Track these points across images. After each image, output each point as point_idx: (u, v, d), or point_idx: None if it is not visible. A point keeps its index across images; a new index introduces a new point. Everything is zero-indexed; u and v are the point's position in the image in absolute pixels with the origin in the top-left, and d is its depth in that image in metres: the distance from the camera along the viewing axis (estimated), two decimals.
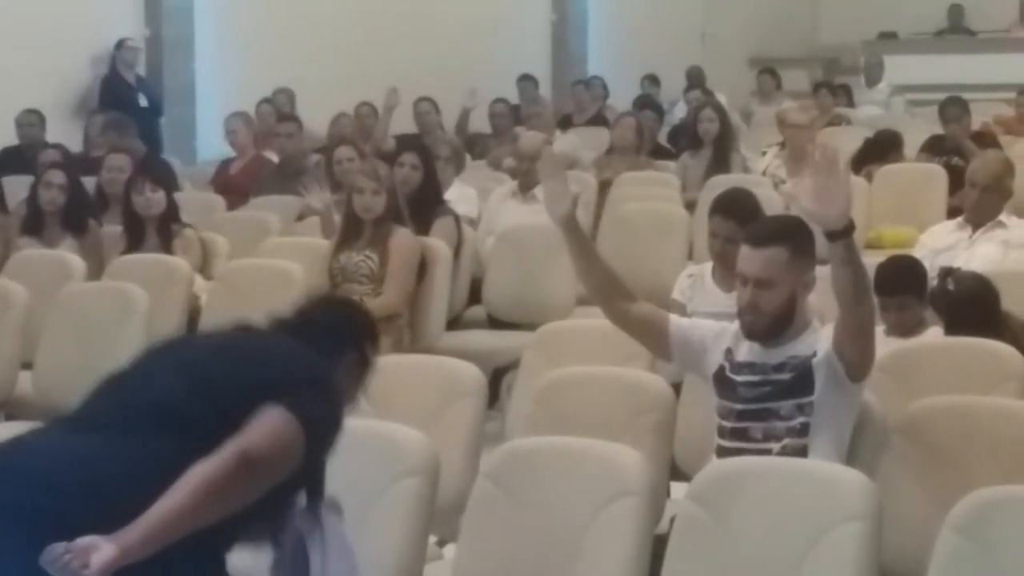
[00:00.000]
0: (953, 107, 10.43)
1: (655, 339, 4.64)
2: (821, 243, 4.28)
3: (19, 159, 10.77)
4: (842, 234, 4.10)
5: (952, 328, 5.38)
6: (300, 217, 8.91)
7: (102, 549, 3.06)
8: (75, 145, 11.15)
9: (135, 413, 3.33)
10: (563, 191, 4.59)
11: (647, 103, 13.44)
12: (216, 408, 3.31)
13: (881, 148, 10.28)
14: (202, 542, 3.23)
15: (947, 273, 5.70)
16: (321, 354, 3.54)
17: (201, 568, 3.31)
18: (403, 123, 12.49)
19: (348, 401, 3.65)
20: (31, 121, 11.18)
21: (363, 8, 14.08)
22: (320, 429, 3.40)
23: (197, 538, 3.19)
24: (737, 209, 5.79)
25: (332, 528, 3.57)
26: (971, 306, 5.40)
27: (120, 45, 12.70)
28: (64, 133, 11.40)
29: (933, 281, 5.74)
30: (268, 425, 3.29)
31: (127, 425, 3.30)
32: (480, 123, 13.23)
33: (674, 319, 4.67)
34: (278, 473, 3.31)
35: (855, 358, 4.28)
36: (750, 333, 4.41)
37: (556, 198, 4.59)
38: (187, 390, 3.35)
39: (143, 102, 12.60)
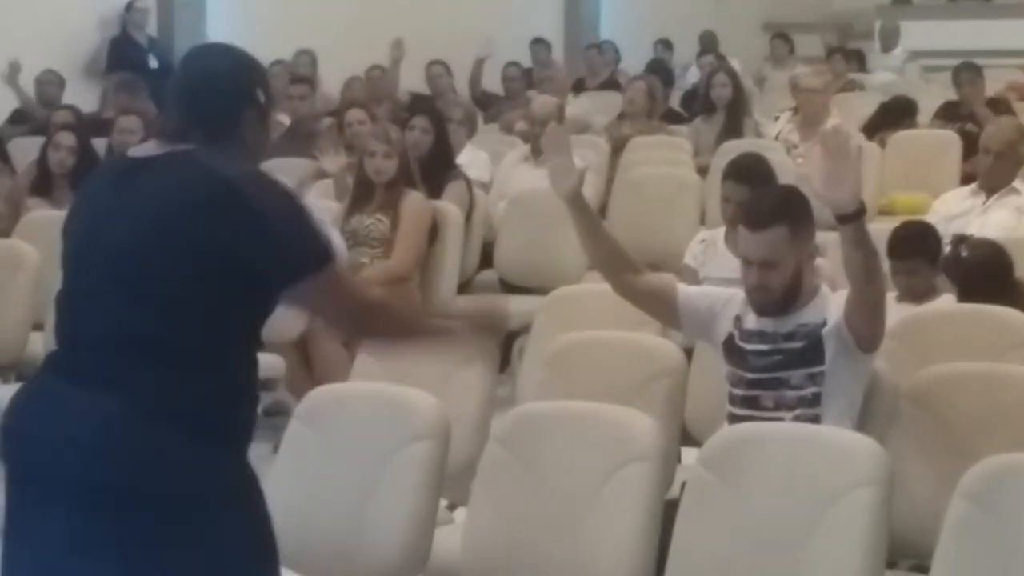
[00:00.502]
0: (967, 71, 10.40)
1: (663, 310, 4.65)
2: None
3: (29, 119, 10.80)
4: (853, 217, 4.09)
5: (965, 295, 5.39)
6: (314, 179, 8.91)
7: None
8: (85, 107, 11.15)
9: (127, 362, 3.16)
10: (568, 166, 4.58)
11: (658, 68, 13.43)
12: (202, 329, 3.19)
13: (895, 114, 10.27)
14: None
15: (960, 240, 5.71)
16: (219, 133, 3.28)
17: (247, 376, 3.33)
18: (416, 86, 12.51)
19: (262, 150, 3.48)
20: (50, 79, 11.21)
21: None
22: (323, 242, 3.34)
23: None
24: (750, 174, 5.83)
25: None
26: (985, 273, 5.41)
27: (130, 7, 12.68)
28: (74, 94, 11.41)
29: (946, 248, 5.73)
30: (324, 307, 3.41)
31: (129, 379, 3.16)
32: (493, 85, 13.23)
33: (682, 288, 4.67)
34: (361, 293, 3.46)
35: (866, 332, 4.28)
36: (761, 311, 4.40)
37: (561, 173, 4.58)
38: (155, 318, 3.17)
39: (154, 64, 12.58)
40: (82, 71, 12.33)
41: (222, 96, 3.34)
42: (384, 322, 3.50)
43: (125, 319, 3.17)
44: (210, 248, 3.14)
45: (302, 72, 11.96)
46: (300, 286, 3.23)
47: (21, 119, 11.08)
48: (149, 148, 3.34)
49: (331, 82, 12.17)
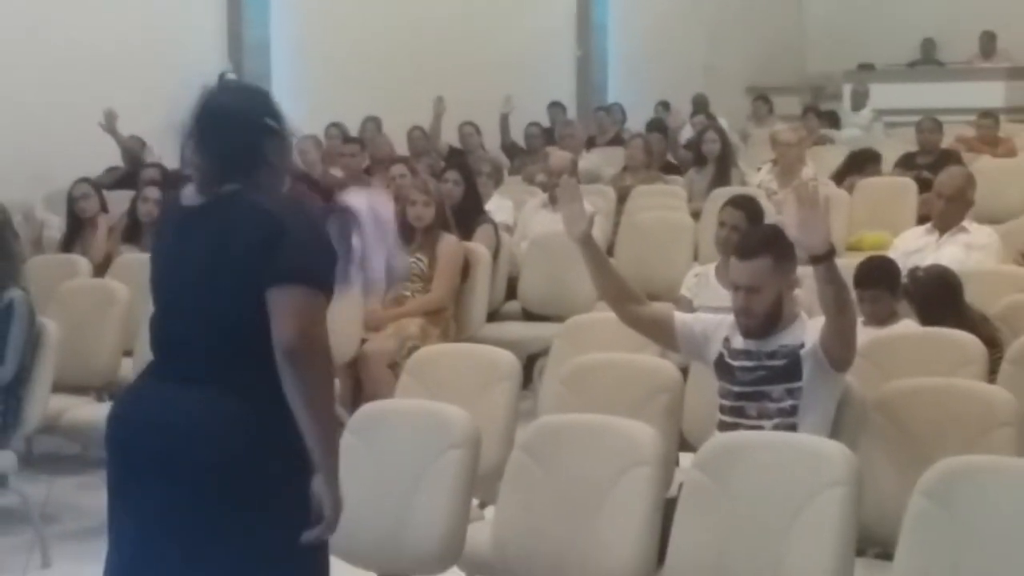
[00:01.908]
0: (929, 122, 10.75)
1: (663, 335, 4.64)
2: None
3: (123, 176, 10.85)
4: (824, 258, 4.08)
5: (923, 311, 5.40)
6: None
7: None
8: (175, 164, 11.15)
9: (203, 368, 3.22)
10: (580, 213, 4.58)
11: (658, 127, 13.43)
12: (242, 331, 3.18)
13: (860, 162, 10.30)
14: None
15: (916, 270, 5.72)
16: (251, 167, 3.24)
17: None
18: (452, 143, 12.56)
19: (288, 169, 3.38)
20: (134, 144, 11.24)
21: (413, 48, 14.09)
22: (325, 271, 3.20)
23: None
24: (745, 203, 6.02)
25: (363, 207, 3.44)
26: (938, 290, 5.45)
27: (221, 78, 12.68)
28: (169, 154, 11.39)
29: (905, 279, 5.72)
30: (284, 311, 3.12)
31: (212, 374, 3.20)
32: (517, 139, 13.28)
33: (678, 316, 4.66)
34: (319, 334, 3.14)
35: (838, 355, 4.26)
36: (746, 332, 4.39)
37: (574, 219, 4.58)
38: (219, 337, 3.20)
39: None
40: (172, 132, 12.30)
41: (241, 134, 3.28)
42: (315, 370, 3.15)
43: (197, 332, 3.24)
44: (261, 271, 3.17)
45: (368, 134, 11.99)
46: (279, 289, 3.14)
47: (115, 178, 11.10)
48: (195, 196, 3.32)
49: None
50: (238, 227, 3.21)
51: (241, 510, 3.18)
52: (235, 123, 3.29)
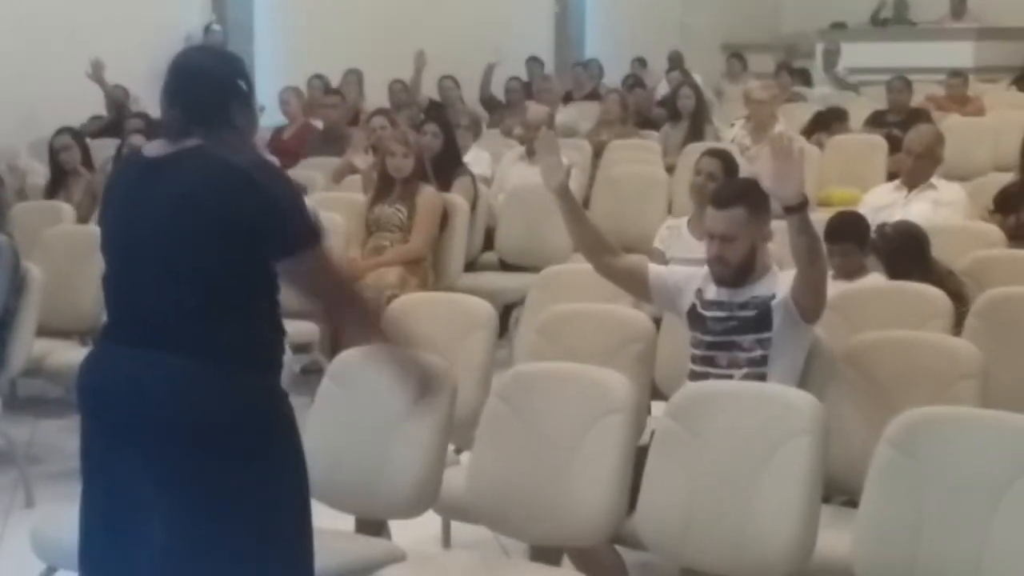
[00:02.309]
0: (899, 81, 10.77)
1: (637, 286, 4.64)
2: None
3: (107, 125, 10.78)
4: (797, 209, 4.08)
5: (890, 265, 5.40)
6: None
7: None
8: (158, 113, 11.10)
9: (172, 323, 3.17)
10: (557, 165, 4.56)
11: (635, 83, 13.40)
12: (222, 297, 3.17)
13: (827, 120, 10.31)
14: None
15: (884, 226, 5.71)
16: (215, 124, 3.23)
17: (275, 316, 3.30)
18: (432, 97, 12.51)
19: (252, 131, 3.42)
20: (119, 92, 11.17)
21: (395, 2, 14.05)
22: (311, 220, 3.32)
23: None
24: (721, 153, 5.99)
25: None
26: (905, 245, 5.46)
27: (208, 29, 12.61)
28: (153, 104, 11.35)
29: (874, 235, 5.72)
30: (309, 280, 3.25)
31: (175, 335, 3.16)
32: (497, 92, 13.23)
33: (652, 268, 4.65)
34: (341, 270, 3.38)
35: (809, 306, 4.27)
36: (719, 280, 4.39)
37: (551, 171, 4.57)
38: (201, 293, 3.16)
39: None
40: (156, 82, 12.21)
41: (211, 90, 3.28)
42: (351, 300, 3.39)
43: (161, 289, 3.17)
44: (232, 227, 3.13)
45: (349, 86, 11.93)
46: (293, 260, 3.19)
47: (99, 126, 11.03)
48: (159, 147, 3.30)
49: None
50: (204, 180, 3.17)
51: (223, 473, 3.14)
52: (206, 79, 3.31)
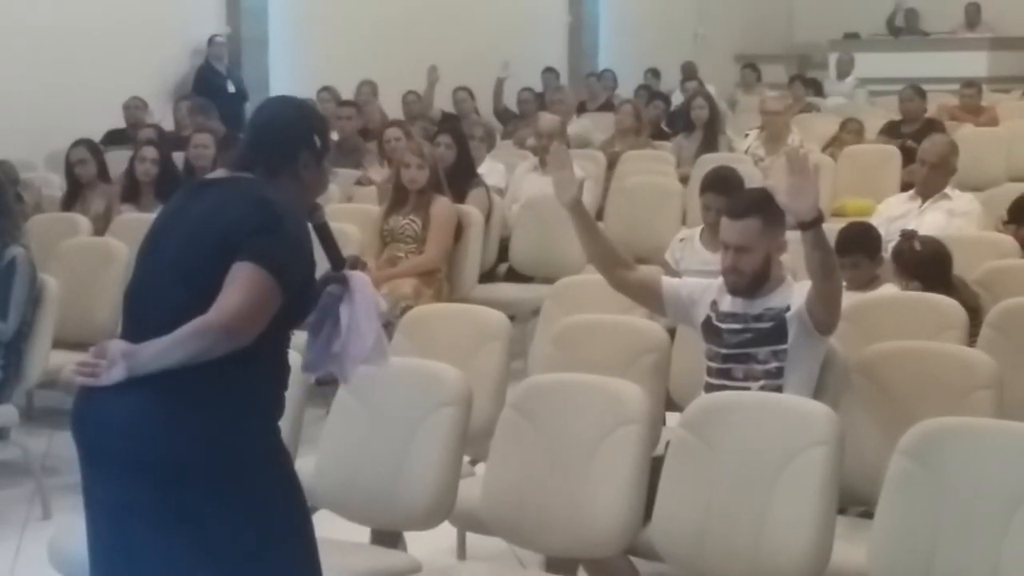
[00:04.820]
0: (910, 90, 10.63)
1: (651, 299, 4.63)
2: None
3: (124, 137, 10.80)
4: (812, 224, 4.07)
5: (919, 280, 5.34)
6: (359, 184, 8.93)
7: (115, 369, 3.07)
8: (171, 125, 11.16)
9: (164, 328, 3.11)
10: (570, 179, 4.56)
11: (654, 94, 13.39)
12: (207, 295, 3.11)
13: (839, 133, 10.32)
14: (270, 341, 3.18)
15: (911, 235, 5.64)
16: (279, 169, 3.27)
17: (271, 361, 3.25)
18: (446, 108, 12.52)
19: (317, 187, 3.39)
20: (136, 104, 11.20)
21: (409, 14, 14.07)
22: (288, 266, 3.14)
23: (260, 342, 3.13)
24: (726, 187, 5.79)
25: (359, 285, 3.37)
26: (933, 263, 5.39)
27: (211, 41, 12.67)
28: (165, 116, 11.42)
29: (889, 244, 5.71)
30: (239, 286, 3.07)
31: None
32: (510, 104, 13.25)
33: (666, 280, 4.64)
34: (261, 321, 3.10)
35: (823, 319, 4.26)
36: (733, 290, 4.39)
37: (564, 185, 4.57)
38: (187, 291, 3.13)
39: (231, 88, 12.59)
40: (172, 95, 12.28)
41: (283, 137, 3.32)
42: (227, 344, 3.08)
43: (171, 306, 3.13)
44: (230, 244, 3.12)
45: (363, 97, 11.97)
46: (239, 264, 3.10)
47: (115, 138, 11.07)
48: (219, 173, 3.38)
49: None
50: (227, 201, 3.18)
51: (206, 505, 3.11)
52: (279, 125, 3.35)
